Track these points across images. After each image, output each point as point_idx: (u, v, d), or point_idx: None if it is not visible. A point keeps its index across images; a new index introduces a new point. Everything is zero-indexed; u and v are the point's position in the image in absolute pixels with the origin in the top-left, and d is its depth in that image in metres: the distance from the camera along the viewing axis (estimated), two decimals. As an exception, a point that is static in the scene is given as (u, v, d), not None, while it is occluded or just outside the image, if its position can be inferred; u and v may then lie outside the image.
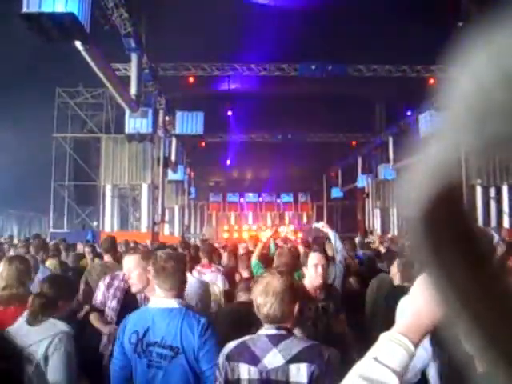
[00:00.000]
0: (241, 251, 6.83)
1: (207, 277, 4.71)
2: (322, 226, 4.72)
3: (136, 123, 13.86)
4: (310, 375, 1.82)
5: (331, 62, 14.73)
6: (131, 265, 3.13)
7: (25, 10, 7.53)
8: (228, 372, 1.92)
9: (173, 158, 18.25)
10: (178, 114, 17.27)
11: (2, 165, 17.06)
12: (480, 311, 0.47)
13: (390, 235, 17.56)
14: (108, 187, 18.49)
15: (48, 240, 11.68)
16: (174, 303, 2.40)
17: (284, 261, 3.70)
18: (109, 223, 18.53)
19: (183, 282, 2.53)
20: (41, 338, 2.35)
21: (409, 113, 18.34)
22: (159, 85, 15.31)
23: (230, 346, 1.99)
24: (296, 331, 2.18)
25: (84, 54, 8.85)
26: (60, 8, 7.55)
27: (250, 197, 32.43)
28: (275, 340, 1.91)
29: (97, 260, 5.67)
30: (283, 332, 1.94)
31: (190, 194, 25.12)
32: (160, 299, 2.44)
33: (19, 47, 11.94)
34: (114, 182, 18.46)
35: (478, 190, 17.21)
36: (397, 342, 0.78)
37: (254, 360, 1.89)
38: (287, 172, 28.57)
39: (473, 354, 0.51)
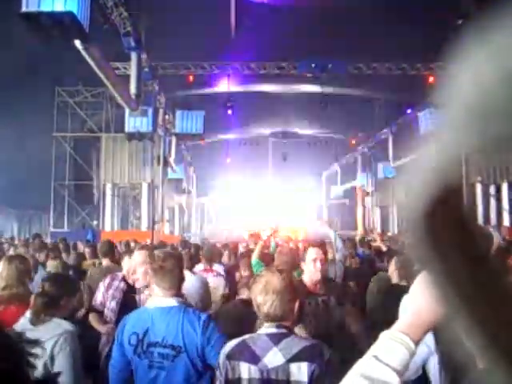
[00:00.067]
0: (241, 250, 6.83)
1: (209, 281, 4.72)
2: (321, 224, 4.72)
3: (136, 122, 13.86)
4: (310, 374, 1.81)
5: (331, 60, 14.72)
6: (139, 260, 3.15)
7: (24, 9, 7.54)
8: (228, 371, 1.91)
9: (173, 156, 18.24)
10: (178, 112, 17.26)
11: (2, 164, 17.04)
12: (480, 309, 0.47)
13: (389, 233, 17.56)
14: (108, 186, 18.49)
15: (48, 239, 11.69)
16: (172, 302, 2.38)
17: (284, 259, 3.70)
18: (109, 222, 18.53)
19: (181, 280, 2.52)
20: (46, 338, 2.34)
21: (409, 111, 18.33)
22: (159, 83, 15.30)
23: (231, 344, 1.98)
24: (296, 327, 2.18)
25: (83, 53, 8.84)
26: (59, 7, 7.54)
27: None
28: (275, 339, 1.90)
29: (97, 261, 5.65)
30: (283, 331, 1.93)
31: (189, 192, 25.11)
32: (159, 298, 2.43)
33: (19, 47, 11.91)
34: (114, 181, 18.47)
35: (478, 187, 17.18)
36: (397, 341, 0.78)
37: (255, 359, 1.88)
38: (287, 170, 28.53)
39: (473, 351, 0.51)
